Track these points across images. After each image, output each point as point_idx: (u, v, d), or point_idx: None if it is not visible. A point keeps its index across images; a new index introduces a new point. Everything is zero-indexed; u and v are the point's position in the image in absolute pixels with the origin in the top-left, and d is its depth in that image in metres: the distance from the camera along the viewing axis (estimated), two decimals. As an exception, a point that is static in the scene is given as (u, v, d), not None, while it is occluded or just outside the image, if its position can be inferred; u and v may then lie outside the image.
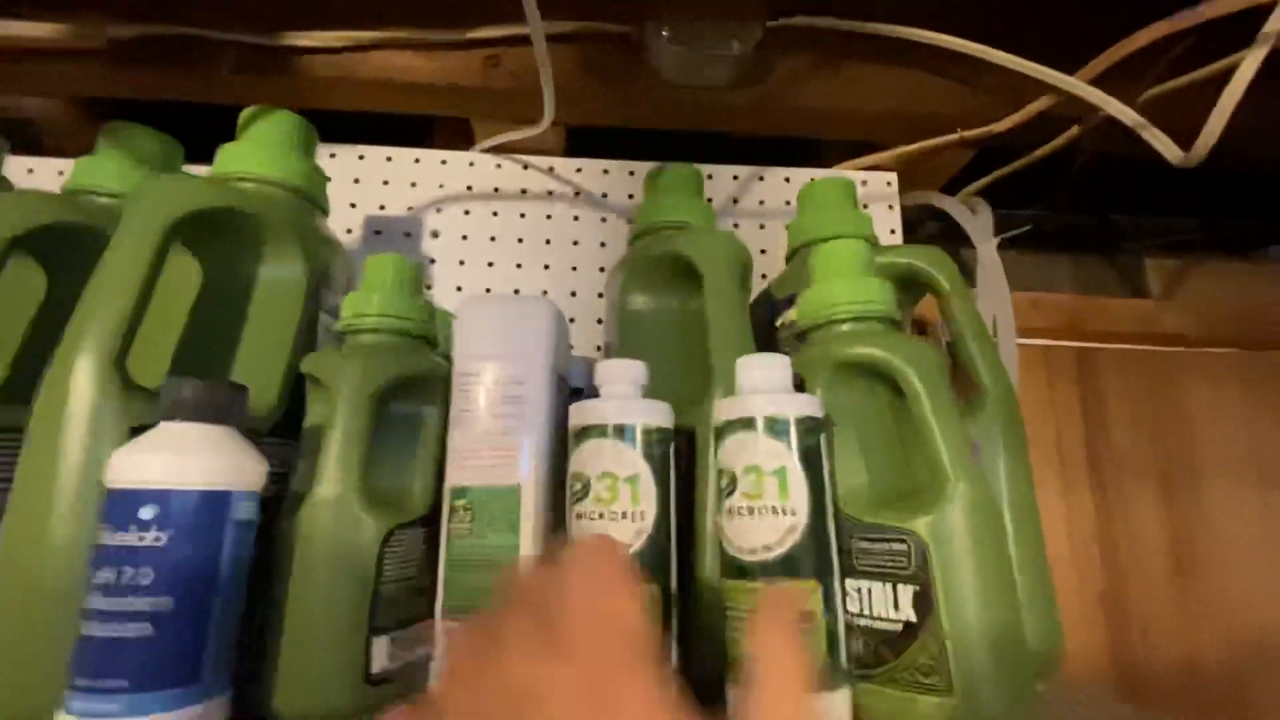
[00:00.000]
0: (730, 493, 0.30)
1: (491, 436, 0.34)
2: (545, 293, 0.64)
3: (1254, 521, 0.62)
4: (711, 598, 0.33)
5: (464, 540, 0.33)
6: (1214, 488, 0.63)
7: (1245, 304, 0.73)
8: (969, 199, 0.70)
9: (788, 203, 0.69)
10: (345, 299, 0.41)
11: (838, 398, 0.35)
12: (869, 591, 0.31)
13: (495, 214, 0.66)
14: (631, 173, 0.68)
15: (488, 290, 0.63)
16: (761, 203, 0.69)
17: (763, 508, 0.29)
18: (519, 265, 0.64)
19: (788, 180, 0.70)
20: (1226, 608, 0.60)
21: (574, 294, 0.64)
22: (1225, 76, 0.46)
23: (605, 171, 0.68)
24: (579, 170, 0.68)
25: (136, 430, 0.32)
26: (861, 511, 0.33)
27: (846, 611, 0.32)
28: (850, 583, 0.32)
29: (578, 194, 0.67)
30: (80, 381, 0.32)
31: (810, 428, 0.31)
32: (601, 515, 0.31)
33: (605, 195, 0.67)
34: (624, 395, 0.33)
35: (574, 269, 0.65)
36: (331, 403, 0.35)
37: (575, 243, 0.66)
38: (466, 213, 0.65)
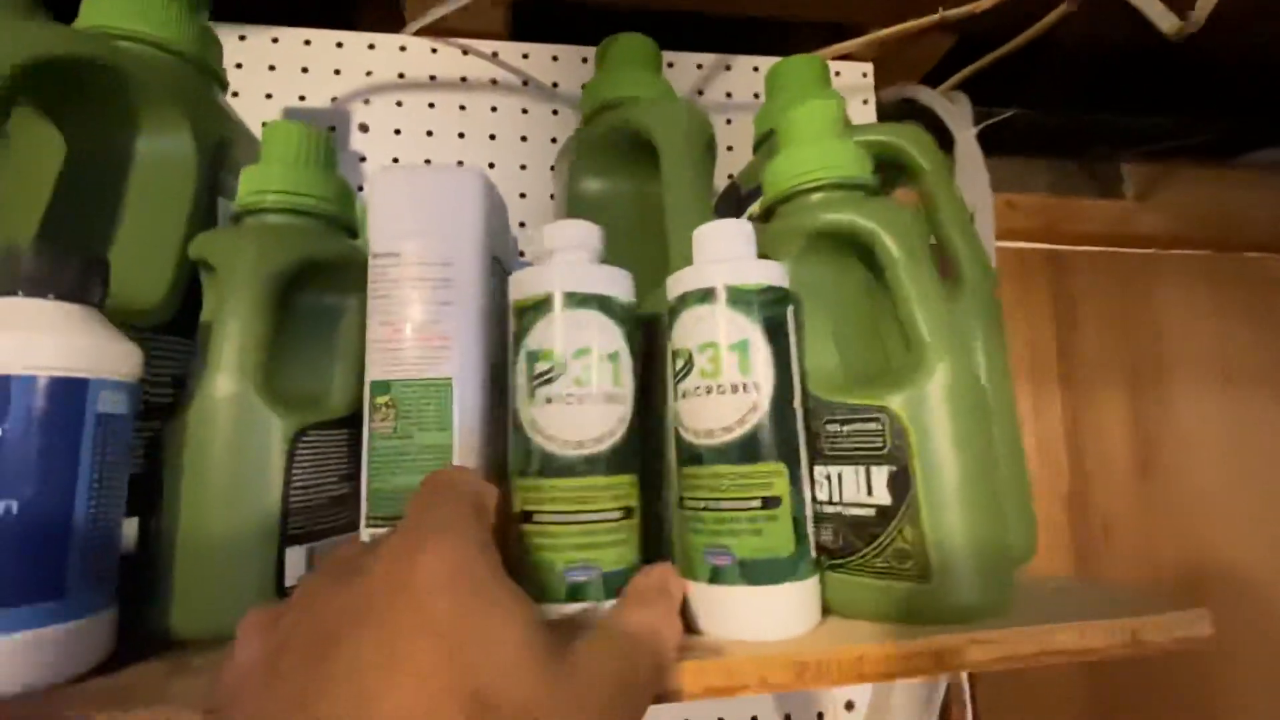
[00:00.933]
0: (685, 374, 0.26)
1: (418, 325, 0.30)
2: (523, 195, 0.58)
3: (1216, 420, 0.62)
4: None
5: (387, 440, 0.29)
6: (1179, 388, 0.62)
7: (1219, 208, 0.71)
8: (946, 93, 0.66)
9: (756, 95, 0.63)
10: (243, 174, 0.35)
11: (808, 272, 0.31)
12: (839, 477, 0.28)
13: (432, 105, 0.59)
14: (585, 59, 0.62)
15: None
16: (729, 95, 0.63)
17: (721, 385, 0.26)
18: (460, 163, 0.58)
19: (756, 69, 0.64)
20: (1187, 505, 0.61)
21: (524, 195, 0.58)
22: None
23: (555, 58, 0.61)
24: (526, 56, 0.61)
25: None
26: (831, 392, 0.29)
27: (815, 500, 0.29)
28: (819, 469, 0.29)
29: (525, 83, 0.60)
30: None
31: (775, 298, 0.27)
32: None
33: (556, 85, 0.61)
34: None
35: (523, 167, 0.59)
36: (222, 288, 0.30)
37: (524, 138, 0.60)
38: (399, 104, 0.58)
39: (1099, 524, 0.60)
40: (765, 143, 0.49)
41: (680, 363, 0.27)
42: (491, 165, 0.59)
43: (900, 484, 0.27)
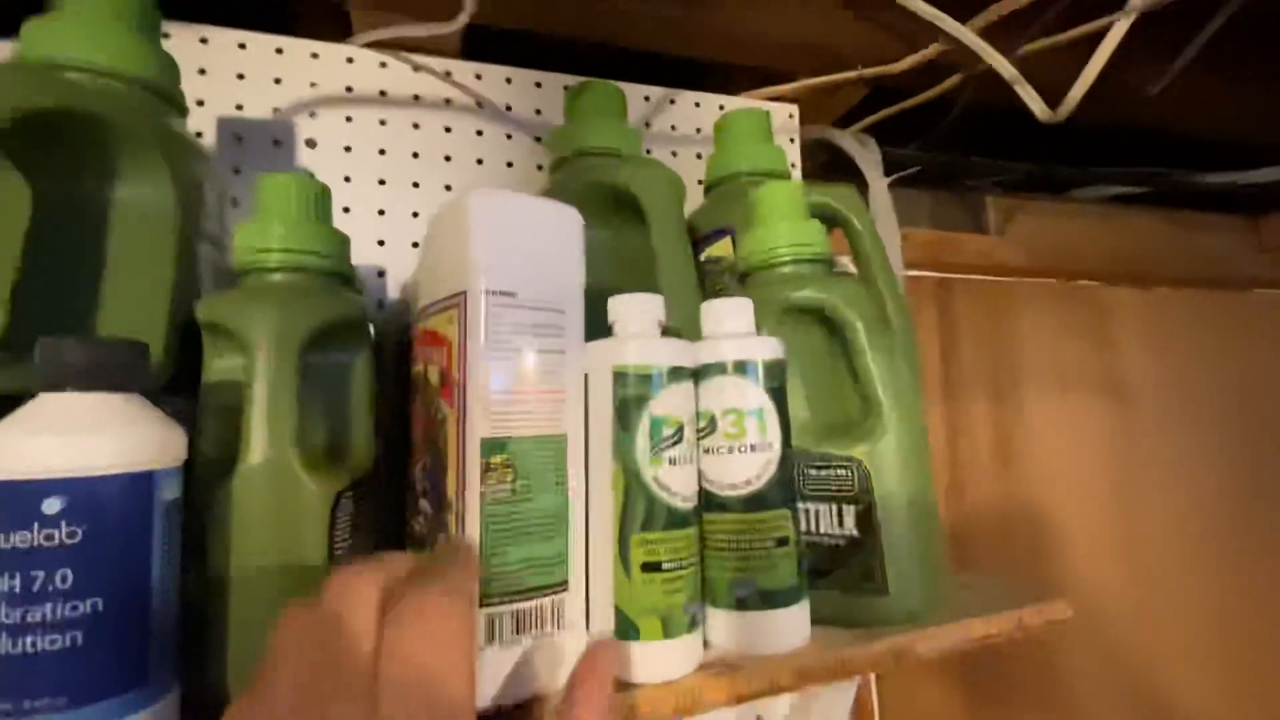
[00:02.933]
0: (709, 433, 0.31)
1: (535, 375, 0.28)
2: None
3: (1058, 422, 0.78)
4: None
5: (506, 505, 0.26)
6: (1030, 395, 0.77)
7: (1061, 242, 0.87)
8: (858, 135, 0.74)
9: (698, 130, 0.68)
10: (240, 230, 0.35)
11: (785, 338, 0.37)
12: (816, 512, 0.35)
13: (383, 122, 0.58)
14: (538, 84, 0.63)
15: (382, 213, 0.56)
16: (673, 128, 0.67)
17: (744, 445, 0.31)
18: (416, 184, 0.58)
19: (698, 105, 0.68)
20: (1036, 490, 0.76)
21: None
22: (1094, 40, 0.52)
23: (508, 80, 0.62)
24: (479, 77, 0.61)
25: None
26: (809, 442, 0.36)
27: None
28: (800, 505, 0.35)
29: (480, 104, 0.61)
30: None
31: (780, 369, 0.33)
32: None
33: (509, 108, 0.62)
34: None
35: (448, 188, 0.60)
36: (247, 355, 0.31)
37: (479, 161, 0.60)
38: (349, 119, 0.57)
39: (970, 507, 0.73)
40: (717, 187, 0.54)
41: (703, 423, 0.32)
42: (448, 188, 0.59)
43: (865, 518, 0.34)
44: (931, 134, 0.77)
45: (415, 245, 0.56)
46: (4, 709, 0.22)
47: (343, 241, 0.37)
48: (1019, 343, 0.78)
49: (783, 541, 0.31)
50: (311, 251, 0.35)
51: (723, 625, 0.31)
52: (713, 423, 0.31)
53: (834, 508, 0.35)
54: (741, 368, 0.32)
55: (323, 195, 0.36)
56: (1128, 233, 0.96)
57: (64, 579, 0.22)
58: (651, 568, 0.28)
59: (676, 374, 0.30)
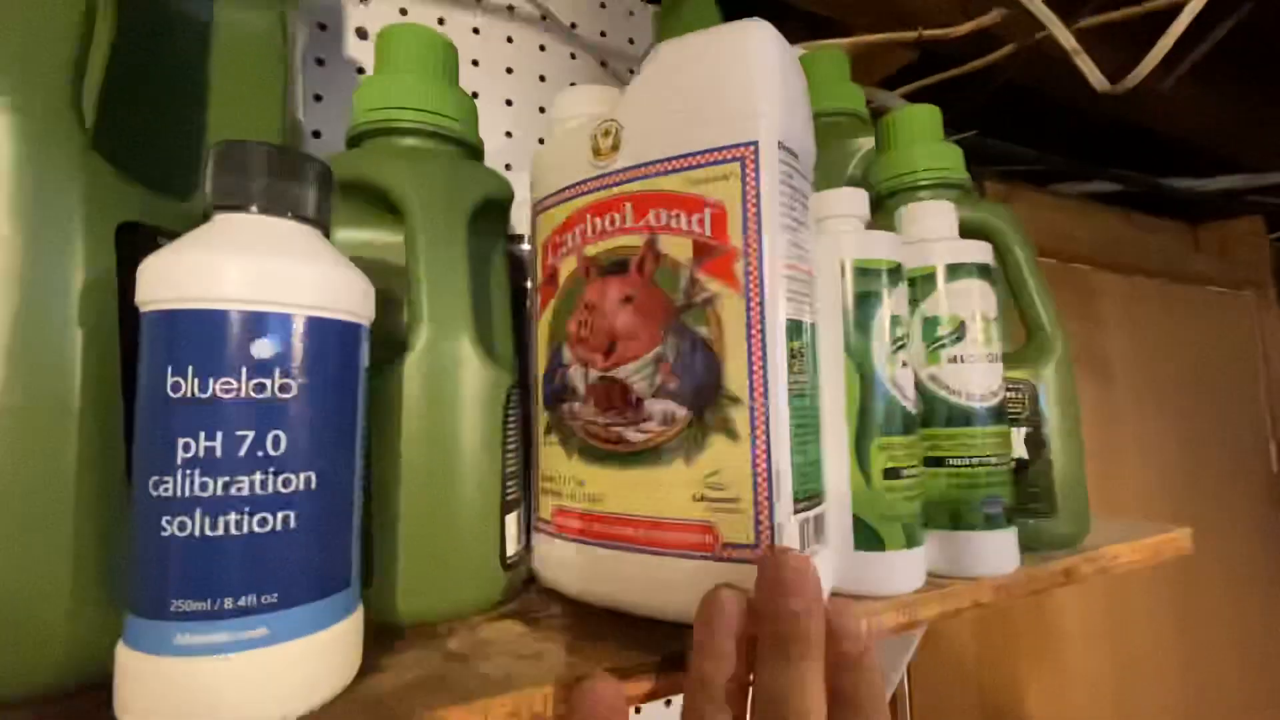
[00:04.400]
0: (957, 340, 0.29)
1: (801, 250, 0.24)
2: (509, 135, 0.53)
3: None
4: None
5: (802, 399, 0.23)
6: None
7: (1053, 226, 0.92)
8: (896, 101, 0.75)
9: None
10: (366, 84, 0.29)
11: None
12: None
13: (441, 21, 0.52)
14: (603, 4, 0.58)
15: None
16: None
17: (992, 354, 0.30)
18: (475, 94, 0.52)
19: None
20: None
21: (541, 141, 0.55)
22: (1150, 21, 0.54)
23: (574, -6, 0.57)
24: (543, -11, 0.56)
25: (130, 228, 0.20)
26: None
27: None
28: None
29: (544, 18, 0.56)
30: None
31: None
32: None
33: (574, 26, 0.57)
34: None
35: (541, 110, 0.55)
36: (411, 225, 0.26)
37: (542, 78, 0.55)
38: (403, 11, 0.50)
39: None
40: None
41: (950, 328, 0.30)
42: (509, 103, 0.54)
43: (1034, 440, 0.33)
44: (963, 109, 0.79)
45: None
46: (197, 608, 0.16)
47: (474, 110, 0.32)
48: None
49: (1011, 460, 0.30)
50: (449, 115, 0.30)
51: (958, 548, 0.29)
52: (961, 328, 0.29)
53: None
54: (986, 272, 0.30)
55: (453, 54, 0.31)
56: (1103, 227, 1.03)
57: (276, 443, 0.17)
58: (893, 474, 0.26)
59: (899, 273, 0.28)
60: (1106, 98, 0.59)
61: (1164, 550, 0.37)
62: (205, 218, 0.19)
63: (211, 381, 0.17)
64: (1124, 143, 1.00)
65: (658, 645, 0.22)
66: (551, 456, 0.27)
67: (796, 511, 0.22)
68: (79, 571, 0.19)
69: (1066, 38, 0.60)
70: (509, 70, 0.54)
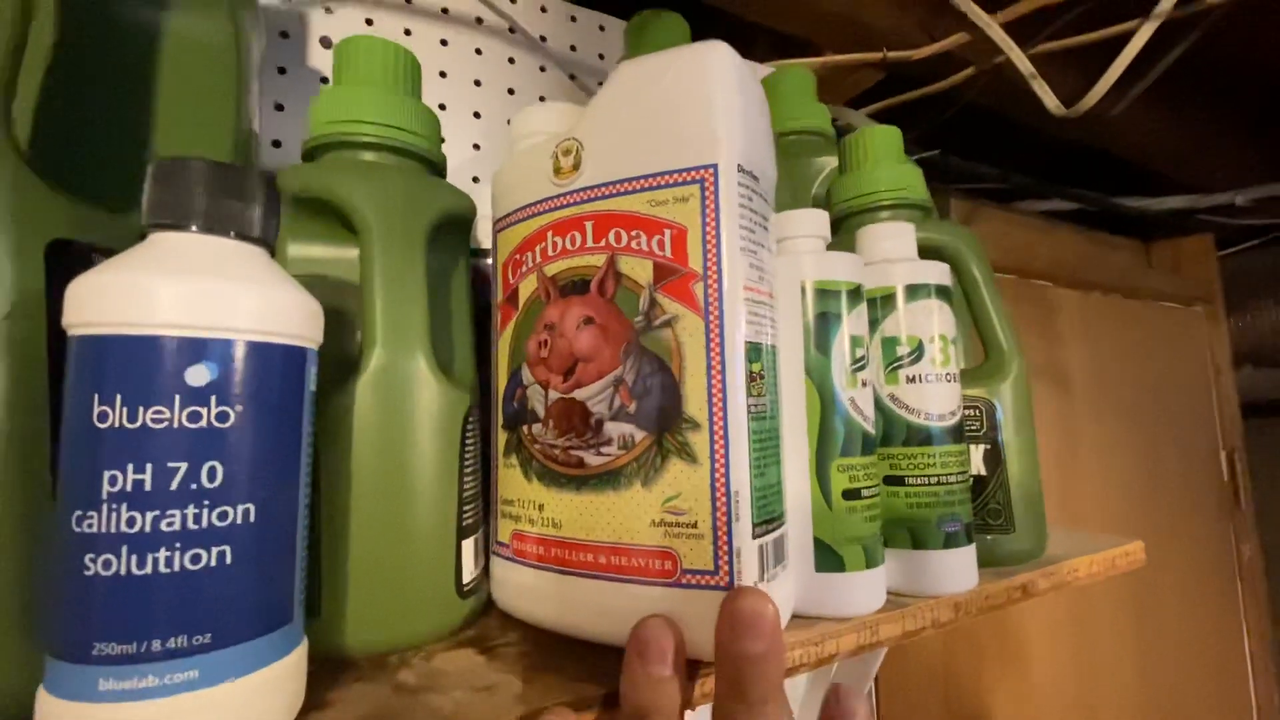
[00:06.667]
0: (916, 359, 0.30)
1: (760, 273, 0.24)
2: (477, 147, 0.53)
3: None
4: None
5: (761, 421, 0.23)
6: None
7: (1015, 243, 0.94)
8: (862, 119, 0.76)
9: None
10: (323, 97, 0.29)
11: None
12: (941, 454, 0.34)
13: (408, 33, 0.51)
14: (573, 18, 0.58)
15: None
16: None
17: (951, 374, 0.30)
18: (442, 106, 0.52)
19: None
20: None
21: (510, 153, 0.54)
22: (1106, 46, 0.56)
23: (543, 9, 0.57)
24: (513, 0, 0.56)
25: (62, 246, 0.19)
26: (932, 384, 0.35)
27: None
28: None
29: (511, 30, 0.55)
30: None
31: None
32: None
33: (544, 39, 0.57)
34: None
35: (509, 123, 0.54)
36: (366, 240, 0.25)
37: (510, 91, 0.55)
38: (369, 22, 0.50)
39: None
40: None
41: (909, 348, 0.30)
42: (477, 115, 0.53)
43: (992, 457, 0.34)
44: (927, 128, 0.81)
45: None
46: (125, 651, 0.15)
47: (436, 124, 0.31)
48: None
49: (970, 477, 0.30)
50: (410, 130, 0.29)
51: (922, 568, 0.29)
52: (920, 348, 0.30)
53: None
54: (945, 293, 0.31)
55: (416, 67, 0.31)
56: (1062, 244, 1.06)
57: (211, 475, 0.16)
58: (853, 494, 0.26)
59: (859, 295, 0.28)
60: (1063, 120, 0.61)
61: (1119, 563, 0.37)
62: (141, 238, 0.18)
63: (141, 410, 0.16)
64: (1080, 163, 1.04)
65: (614, 675, 0.22)
66: (510, 479, 0.27)
67: (756, 535, 0.22)
68: (-3, 611, 0.17)
69: (1024, 63, 0.61)
70: (477, 83, 0.53)
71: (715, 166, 0.22)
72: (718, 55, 0.23)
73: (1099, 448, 0.94)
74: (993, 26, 0.61)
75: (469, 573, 0.26)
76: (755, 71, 0.25)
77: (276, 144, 0.45)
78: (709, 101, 0.22)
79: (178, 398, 0.16)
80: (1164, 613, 0.98)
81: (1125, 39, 0.55)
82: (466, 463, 0.26)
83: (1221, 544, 1.11)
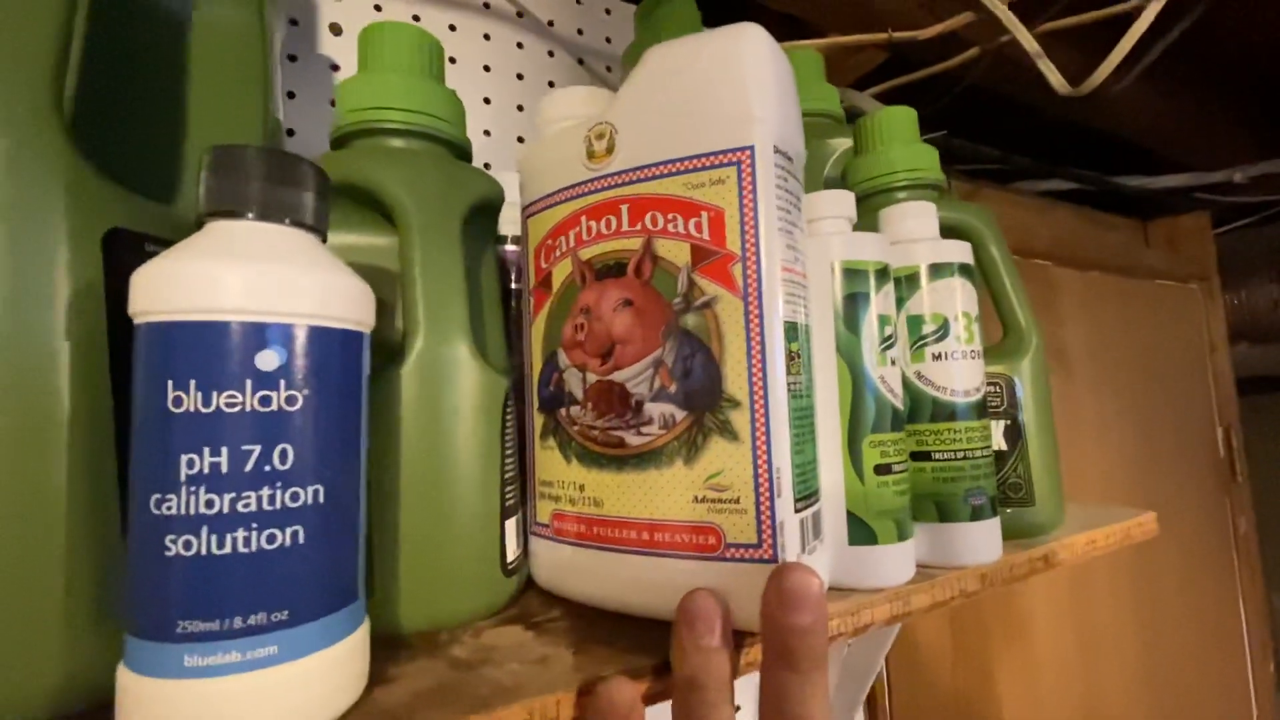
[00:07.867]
0: (941, 337, 0.30)
1: (795, 253, 0.24)
2: (488, 133, 0.53)
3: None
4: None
5: (799, 400, 0.23)
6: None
7: (1016, 223, 0.95)
8: (868, 101, 0.76)
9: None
10: (353, 82, 0.29)
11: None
12: (962, 430, 0.35)
13: (417, 18, 0.51)
14: (580, 2, 0.58)
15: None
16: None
17: (974, 351, 0.31)
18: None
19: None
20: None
21: (521, 140, 0.54)
22: (1111, 25, 0.56)
23: (550, -7, 0.57)
24: (520, -15, 0.55)
25: (118, 235, 0.20)
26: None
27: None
28: (946, 423, 0.35)
29: (520, 15, 0.55)
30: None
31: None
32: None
33: (551, 24, 0.57)
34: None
35: (520, 109, 0.54)
36: (405, 228, 0.25)
37: (519, 76, 0.55)
38: (378, 8, 0.49)
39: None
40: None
41: (934, 326, 0.31)
42: (487, 101, 0.53)
43: (1012, 432, 0.35)
44: (929, 110, 0.81)
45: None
46: (209, 628, 0.16)
47: (462, 108, 0.31)
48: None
49: (992, 452, 0.31)
50: (439, 116, 0.29)
51: (949, 540, 0.29)
52: (944, 327, 0.30)
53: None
54: (967, 271, 0.31)
55: (440, 52, 0.31)
56: (1061, 224, 1.07)
57: (283, 457, 0.17)
58: (884, 469, 0.27)
59: (886, 274, 0.29)
60: (1065, 99, 0.61)
61: (1134, 534, 0.38)
62: (198, 225, 0.18)
63: (215, 394, 0.16)
64: (1078, 142, 1.04)
65: (660, 646, 0.23)
66: (549, 461, 0.27)
67: (797, 510, 0.23)
68: (72, 592, 0.18)
69: (1030, 42, 0.62)
70: (486, 68, 0.53)
71: (752, 148, 0.22)
72: (752, 37, 0.23)
73: (1098, 424, 0.95)
74: (998, 5, 0.61)
75: (512, 552, 0.26)
76: (785, 55, 0.25)
77: (291, 132, 0.45)
78: (744, 83, 0.23)
79: (249, 382, 0.17)
80: (1163, 585, 1.00)
81: (1126, 17, 0.56)
82: (507, 445, 0.27)
83: (1218, 517, 1.13)
